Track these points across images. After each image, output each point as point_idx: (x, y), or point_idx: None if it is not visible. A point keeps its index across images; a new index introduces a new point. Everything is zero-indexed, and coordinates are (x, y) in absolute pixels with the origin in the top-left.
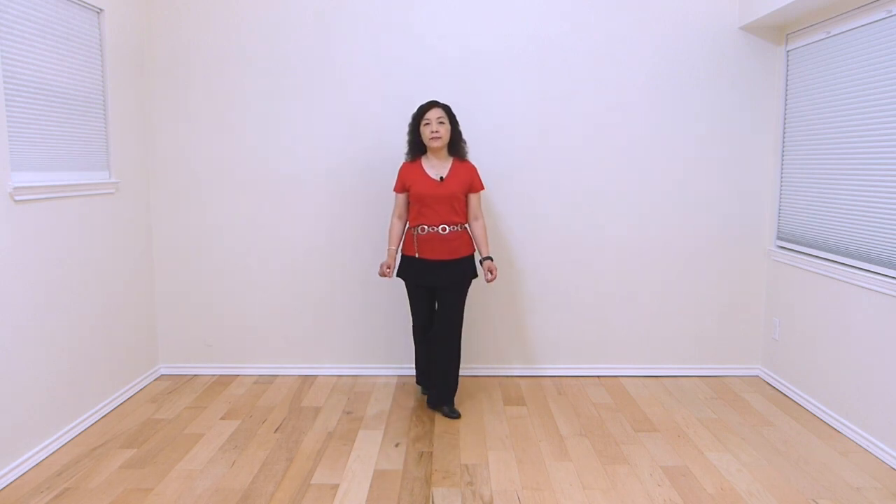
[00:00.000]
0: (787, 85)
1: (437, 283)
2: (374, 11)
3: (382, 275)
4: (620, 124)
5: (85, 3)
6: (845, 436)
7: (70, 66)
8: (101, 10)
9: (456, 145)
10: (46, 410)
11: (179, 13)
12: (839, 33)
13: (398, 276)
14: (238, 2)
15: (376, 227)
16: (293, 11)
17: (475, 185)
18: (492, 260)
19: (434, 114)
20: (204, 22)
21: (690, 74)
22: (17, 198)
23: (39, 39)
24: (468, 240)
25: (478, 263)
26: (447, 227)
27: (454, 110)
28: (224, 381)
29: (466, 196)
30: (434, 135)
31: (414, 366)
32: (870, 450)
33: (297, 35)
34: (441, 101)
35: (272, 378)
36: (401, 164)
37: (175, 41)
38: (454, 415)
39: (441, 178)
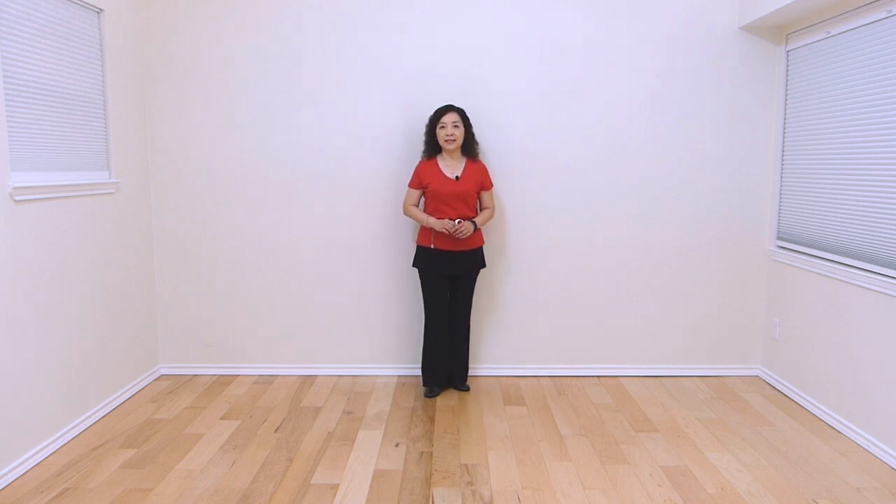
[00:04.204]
0: (787, 85)
1: (455, 271)
2: (374, 11)
3: (455, 230)
4: (620, 124)
5: (85, 3)
6: (845, 436)
7: (70, 66)
8: (101, 10)
9: (469, 146)
10: (46, 410)
11: (179, 13)
12: (839, 33)
13: (414, 265)
14: (238, 2)
15: (376, 226)
16: (293, 11)
17: (486, 183)
18: (474, 226)
19: (450, 118)
20: (204, 22)
21: (690, 74)
22: (17, 198)
23: (39, 39)
24: (479, 232)
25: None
26: (462, 222)
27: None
28: (224, 381)
29: (479, 193)
30: (449, 137)
31: (420, 366)
32: (870, 450)
33: (296, 35)
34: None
35: (272, 378)
36: (408, 162)
37: (175, 41)
38: (468, 388)
39: (457, 176)
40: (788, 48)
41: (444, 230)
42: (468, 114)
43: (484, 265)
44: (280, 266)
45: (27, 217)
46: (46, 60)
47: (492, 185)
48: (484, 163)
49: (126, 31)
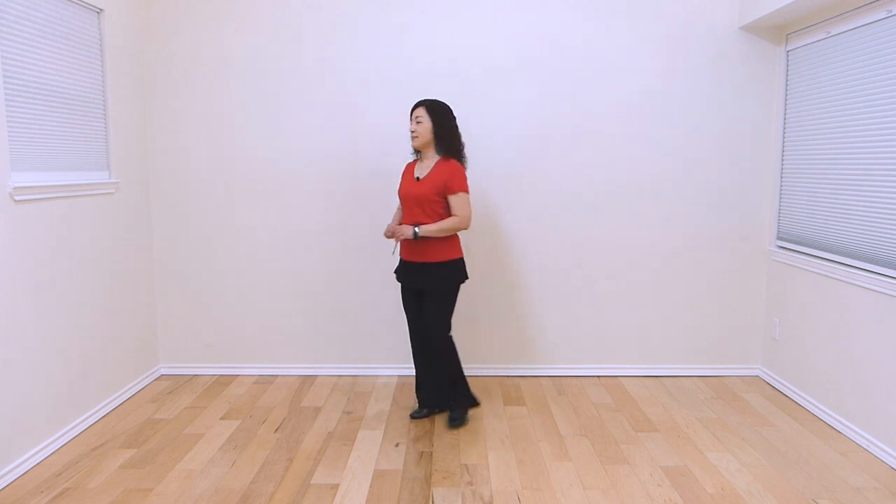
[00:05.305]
0: (787, 85)
1: (416, 285)
2: (374, 11)
3: (392, 233)
4: (620, 125)
5: (85, 3)
6: (845, 436)
7: (70, 66)
8: (101, 10)
9: (440, 144)
10: (46, 410)
11: (179, 13)
12: (839, 33)
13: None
14: (238, 2)
15: (376, 227)
16: (293, 12)
17: (450, 185)
18: (415, 233)
19: (416, 112)
20: (203, 22)
21: (690, 74)
22: (17, 198)
23: (39, 39)
24: (443, 246)
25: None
26: (401, 226)
27: (455, 111)
28: (224, 381)
29: (445, 198)
30: (412, 133)
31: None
32: (870, 450)
33: (296, 35)
34: (441, 99)
35: (272, 378)
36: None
37: (175, 41)
38: (453, 423)
39: (418, 178)
40: (788, 48)
41: (384, 234)
42: (467, 115)
43: (449, 283)
44: (280, 266)
45: (27, 217)
46: (46, 60)
47: (460, 189)
48: (463, 163)
49: (126, 31)
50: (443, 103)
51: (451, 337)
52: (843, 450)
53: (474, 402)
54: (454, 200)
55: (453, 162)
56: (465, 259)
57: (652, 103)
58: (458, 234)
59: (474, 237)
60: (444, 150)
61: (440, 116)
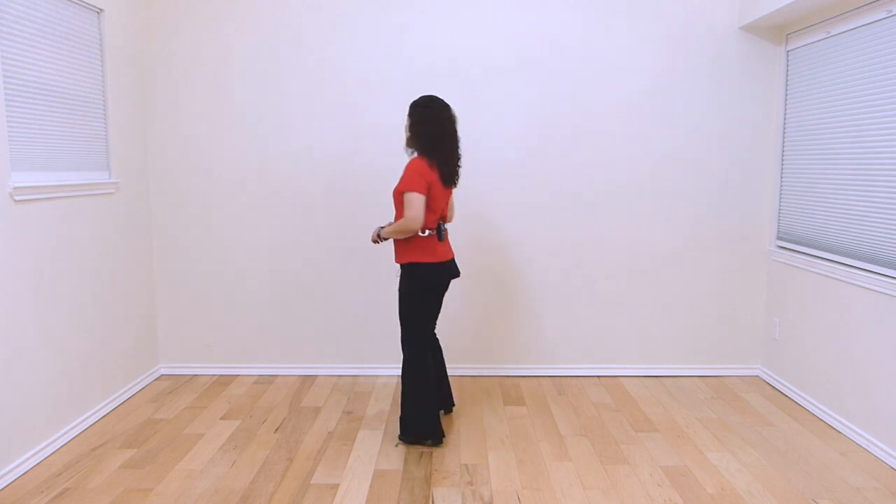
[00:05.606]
0: (787, 85)
1: None
2: (374, 11)
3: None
4: (620, 125)
5: (85, 3)
6: (845, 436)
7: (70, 66)
8: (101, 10)
9: (411, 141)
10: (46, 410)
11: (179, 13)
12: (839, 33)
13: None
14: (238, 2)
15: (376, 226)
16: (293, 11)
17: (399, 185)
18: (379, 234)
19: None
20: (203, 22)
21: (690, 74)
22: (17, 198)
23: (39, 39)
24: (407, 248)
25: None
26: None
27: (454, 110)
28: (224, 381)
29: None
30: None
31: None
32: (870, 450)
33: (296, 35)
34: (439, 97)
35: (272, 378)
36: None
37: (175, 41)
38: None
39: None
40: (788, 48)
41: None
42: (468, 114)
43: (409, 287)
44: (280, 266)
45: (27, 217)
46: (46, 60)
47: (405, 188)
48: (446, 164)
49: (126, 31)
50: (425, 101)
51: (414, 352)
52: (843, 450)
53: (418, 440)
54: (404, 200)
55: (414, 160)
56: (465, 259)
57: (652, 103)
58: (445, 236)
59: (475, 237)
60: (415, 149)
61: (413, 114)
